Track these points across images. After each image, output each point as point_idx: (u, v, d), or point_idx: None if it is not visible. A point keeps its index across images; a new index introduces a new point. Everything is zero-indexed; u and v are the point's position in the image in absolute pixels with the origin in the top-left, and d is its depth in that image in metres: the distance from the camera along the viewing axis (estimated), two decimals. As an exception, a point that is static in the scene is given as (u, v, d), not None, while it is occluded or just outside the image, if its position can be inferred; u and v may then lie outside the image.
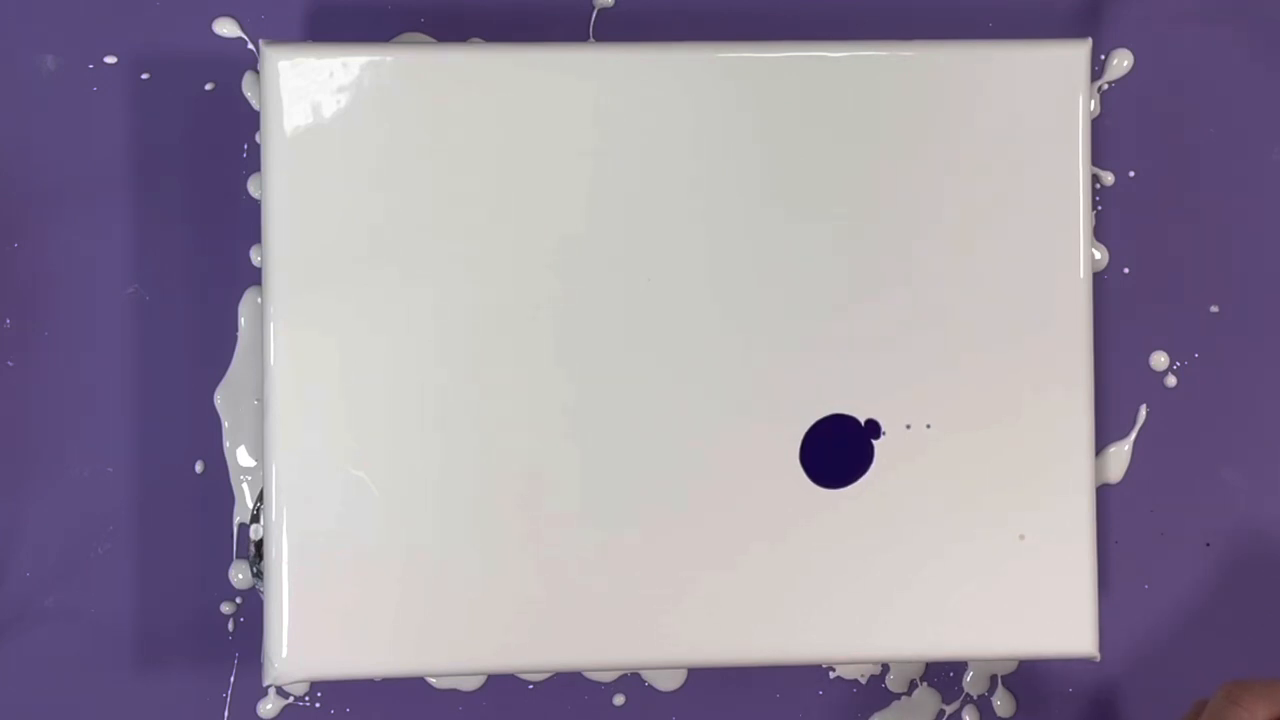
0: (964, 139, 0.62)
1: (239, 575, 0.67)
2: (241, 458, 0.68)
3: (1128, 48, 0.69)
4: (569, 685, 0.68)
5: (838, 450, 0.62)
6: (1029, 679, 0.69)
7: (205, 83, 0.68)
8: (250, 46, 0.68)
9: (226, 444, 0.67)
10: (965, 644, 0.63)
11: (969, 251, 0.62)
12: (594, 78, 0.62)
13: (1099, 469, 0.68)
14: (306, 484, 0.61)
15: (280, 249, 0.61)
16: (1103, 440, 0.69)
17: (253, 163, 0.68)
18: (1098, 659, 0.63)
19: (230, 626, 0.68)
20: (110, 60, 0.68)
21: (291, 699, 0.68)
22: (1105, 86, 0.69)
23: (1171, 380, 0.69)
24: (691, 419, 0.62)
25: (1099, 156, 0.69)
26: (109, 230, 0.67)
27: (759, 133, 0.62)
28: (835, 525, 0.62)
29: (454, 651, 0.62)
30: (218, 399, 0.67)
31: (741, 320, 0.62)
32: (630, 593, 0.62)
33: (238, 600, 0.68)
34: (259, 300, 0.67)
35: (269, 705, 0.68)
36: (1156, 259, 0.69)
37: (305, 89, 0.61)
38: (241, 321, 0.67)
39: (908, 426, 0.62)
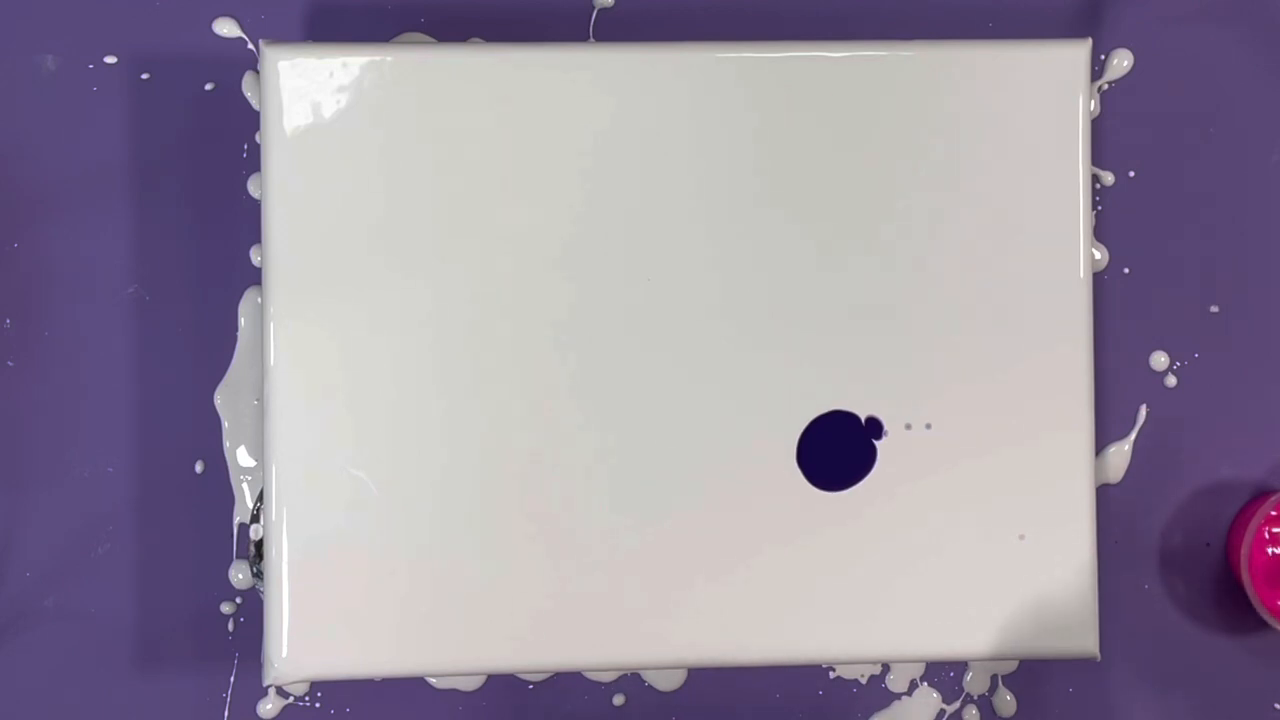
0: (964, 139, 0.62)
1: (239, 575, 0.67)
2: (241, 458, 0.68)
3: (1128, 48, 0.69)
4: (569, 685, 0.68)
5: (839, 451, 0.62)
6: (1029, 679, 0.69)
7: (205, 83, 0.68)
8: (250, 46, 0.68)
9: (226, 444, 0.67)
10: (965, 644, 0.63)
11: (969, 251, 0.62)
12: (594, 78, 0.62)
13: (1099, 469, 0.68)
14: (306, 484, 0.61)
15: (280, 249, 0.61)
16: (1103, 440, 0.69)
17: (253, 163, 0.68)
18: (1098, 659, 0.63)
19: (230, 626, 0.68)
20: (110, 60, 0.68)
21: (291, 699, 0.68)
22: (1105, 86, 0.69)
23: (1171, 380, 0.69)
24: (694, 420, 0.62)
25: (1099, 156, 0.69)
26: (109, 230, 0.67)
27: (759, 133, 0.62)
28: (836, 525, 0.62)
29: (454, 651, 0.62)
30: (218, 399, 0.67)
31: (741, 321, 0.62)
32: (630, 593, 0.62)
33: (238, 600, 0.68)
34: (259, 300, 0.67)
35: (269, 705, 0.68)
36: (1156, 259, 0.69)
37: (305, 89, 0.61)
38: (241, 321, 0.67)
39: (907, 427, 0.62)
